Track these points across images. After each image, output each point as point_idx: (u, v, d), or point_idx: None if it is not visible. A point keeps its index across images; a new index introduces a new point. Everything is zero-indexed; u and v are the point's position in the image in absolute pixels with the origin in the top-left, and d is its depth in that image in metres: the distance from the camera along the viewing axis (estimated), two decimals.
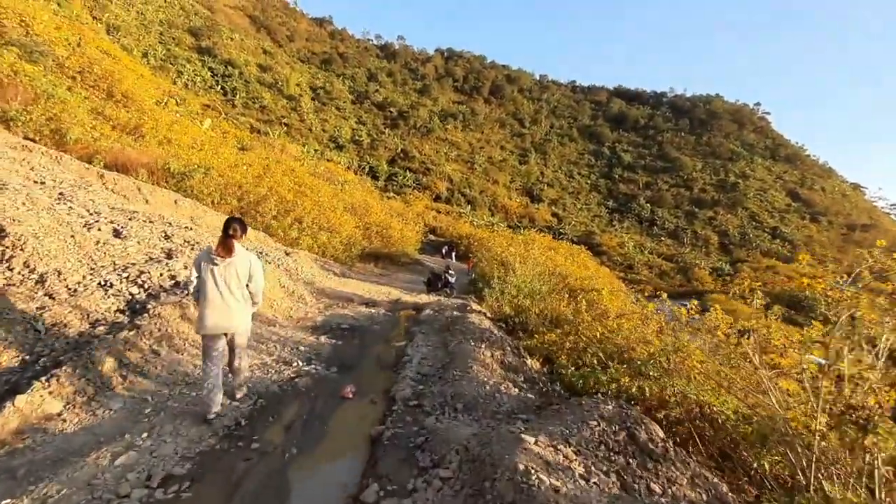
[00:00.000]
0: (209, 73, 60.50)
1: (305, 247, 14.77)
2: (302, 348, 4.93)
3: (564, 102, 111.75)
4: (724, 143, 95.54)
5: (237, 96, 60.15)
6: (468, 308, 8.66)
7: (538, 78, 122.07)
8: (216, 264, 3.20)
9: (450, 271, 12.94)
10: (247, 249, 3.48)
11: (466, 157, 78.91)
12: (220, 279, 3.20)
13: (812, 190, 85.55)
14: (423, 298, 11.09)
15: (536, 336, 5.90)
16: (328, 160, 47.67)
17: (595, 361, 5.28)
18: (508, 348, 5.16)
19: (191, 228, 7.63)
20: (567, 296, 9.69)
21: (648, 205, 77.15)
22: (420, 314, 8.08)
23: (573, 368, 5.16)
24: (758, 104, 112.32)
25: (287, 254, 12.02)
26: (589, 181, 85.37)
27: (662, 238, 69.19)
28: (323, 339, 5.41)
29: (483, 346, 4.70)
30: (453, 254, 26.61)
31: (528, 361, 5.16)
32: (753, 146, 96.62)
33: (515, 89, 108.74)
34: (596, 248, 51.56)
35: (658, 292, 6.47)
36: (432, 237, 34.18)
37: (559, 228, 59.23)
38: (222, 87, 59.95)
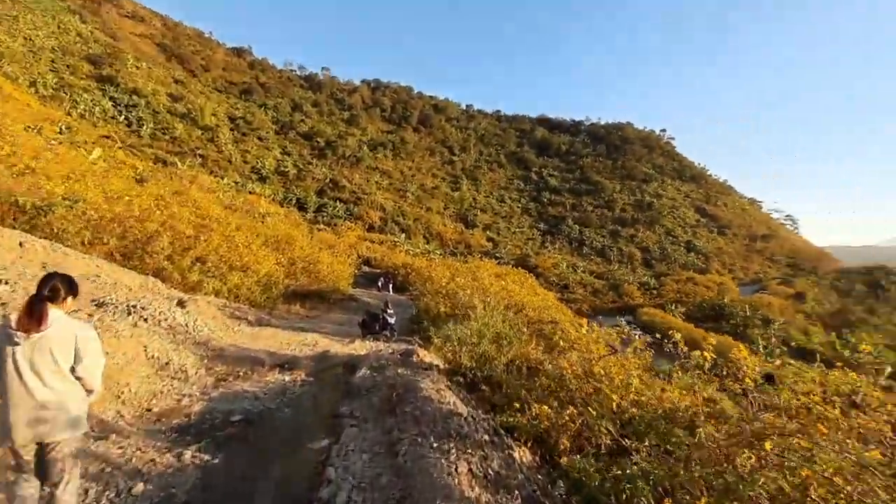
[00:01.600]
0: (110, 103, 54.79)
1: (211, 291, 12.16)
2: (141, 486, 2.78)
3: (491, 130, 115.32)
4: (637, 166, 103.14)
5: (144, 127, 54.83)
6: (416, 359, 6.84)
7: (464, 107, 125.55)
8: (16, 343, 2.24)
9: (388, 310, 11.01)
10: (70, 316, 2.44)
11: (398, 186, 77.79)
12: (24, 365, 2.25)
13: (716, 206, 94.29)
14: (358, 347, 9.10)
15: (517, 404, 4.22)
16: (250, 192, 44.14)
17: (610, 443, 3.68)
18: (486, 437, 3.43)
19: (7, 283, 5.18)
20: (527, 330, 8.21)
21: (577, 226, 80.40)
22: (354, 376, 6.13)
23: (580, 456, 3.53)
24: (663, 130, 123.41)
25: (181, 304, 9.46)
26: (520, 205, 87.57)
27: (592, 257, 71.87)
28: (188, 455, 3.21)
29: (453, 449, 2.93)
30: (391, 285, 24.54)
31: (516, 454, 3.46)
32: (663, 168, 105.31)
33: (443, 118, 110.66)
34: (532, 269, 51.64)
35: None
36: (367, 269, 31.83)
37: (495, 252, 59.24)
38: (126, 118, 54.39)
